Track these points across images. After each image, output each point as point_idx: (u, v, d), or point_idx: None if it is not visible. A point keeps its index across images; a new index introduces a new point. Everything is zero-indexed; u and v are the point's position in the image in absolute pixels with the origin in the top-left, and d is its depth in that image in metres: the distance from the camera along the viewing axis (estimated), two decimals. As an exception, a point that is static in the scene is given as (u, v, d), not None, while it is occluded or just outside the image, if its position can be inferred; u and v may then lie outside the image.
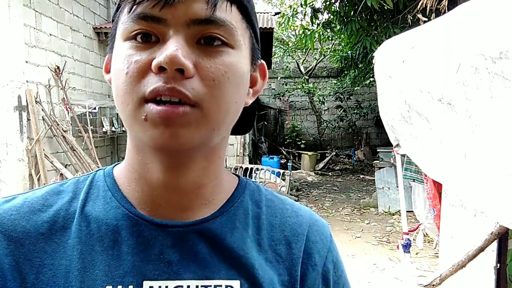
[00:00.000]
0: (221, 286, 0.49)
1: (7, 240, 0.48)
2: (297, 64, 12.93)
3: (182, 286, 0.48)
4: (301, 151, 11.38)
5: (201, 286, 0.49)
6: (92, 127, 5.88)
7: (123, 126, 6.74)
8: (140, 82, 0.44)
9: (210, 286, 0.49)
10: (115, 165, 0.57)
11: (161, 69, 0.43)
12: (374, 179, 7.29)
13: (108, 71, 0.53)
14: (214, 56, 0.46)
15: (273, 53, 10.69)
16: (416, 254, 4.34)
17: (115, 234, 0.50)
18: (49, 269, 0.48)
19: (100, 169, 0.57)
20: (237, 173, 0.62)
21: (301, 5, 7.36)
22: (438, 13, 3.88)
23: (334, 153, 12.25)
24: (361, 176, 10.21)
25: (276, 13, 9.04)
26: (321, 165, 11.20)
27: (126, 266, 0.48)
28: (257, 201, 0.58)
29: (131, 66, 0.45)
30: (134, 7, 0.45)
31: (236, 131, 0.59)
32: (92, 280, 0.47)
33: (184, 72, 0.43)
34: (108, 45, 0.52)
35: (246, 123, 0.61)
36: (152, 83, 0.43)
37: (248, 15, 0.50)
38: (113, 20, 0.51)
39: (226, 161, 6.84)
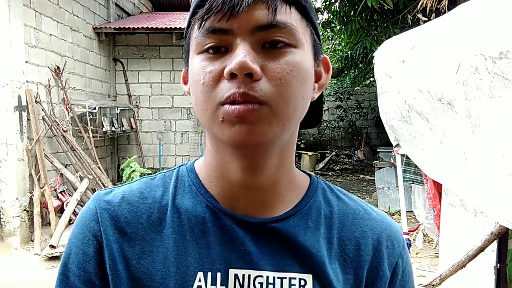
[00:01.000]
0: (295, 278, 0.54)
1: (113, 228, 0.56)
2: (297, 64, 12.91)
3: (262, 276, 0.54)
4: (301, 151, 11.36)
5: (278, 277, 0.54)
6: (92, 127, 5.88)
7: (123, 126, 6.74)
8: (215, 89, 0.49)
9: (286, 278, 0.54)
10: (195, 161, 0.63)
11: (232, 75, 0.48)
12: (374, 179, 7.28)
13: (185, 83, 0.59)
14: (279, 57, 0.49)
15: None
16: (416, 254, 4.34)
17: (203, 226, 0.56)
18: (149, 255, 0.55)
19: (182, 165, 0.63)
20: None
21: (301, 5, 7.35)
22: (438, 13, 3.89)
23: (334, 153, 12.25)
24: (361, 176, 10.21)
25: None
26: (321, 165, 11.21)
27: (214, 255, 0.54)
28: (329, 200, 0.62)
29: (206, 76, 0.50)
30: (203, 22, 0.50)
31: (306, 125, 0.63)
32: (186, 266, 0.54)
33: (253, 75, 0.47)
34: (183, 60, 0.58)
35: (315, 117, 0.65)
36: (227, 89, 0.48)
37: (307, 13, 0.53)
38: (185, 37, 0.57)
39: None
